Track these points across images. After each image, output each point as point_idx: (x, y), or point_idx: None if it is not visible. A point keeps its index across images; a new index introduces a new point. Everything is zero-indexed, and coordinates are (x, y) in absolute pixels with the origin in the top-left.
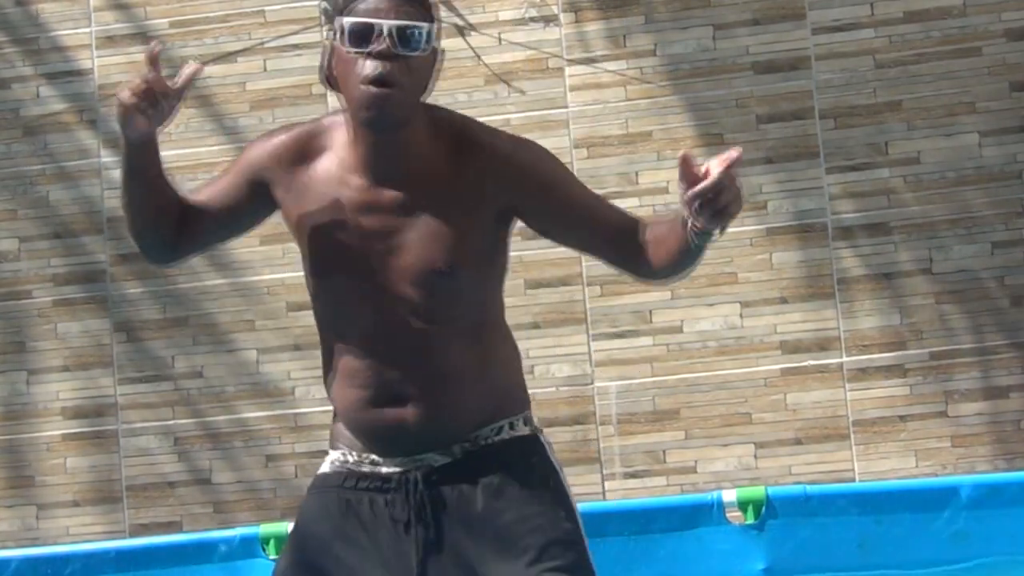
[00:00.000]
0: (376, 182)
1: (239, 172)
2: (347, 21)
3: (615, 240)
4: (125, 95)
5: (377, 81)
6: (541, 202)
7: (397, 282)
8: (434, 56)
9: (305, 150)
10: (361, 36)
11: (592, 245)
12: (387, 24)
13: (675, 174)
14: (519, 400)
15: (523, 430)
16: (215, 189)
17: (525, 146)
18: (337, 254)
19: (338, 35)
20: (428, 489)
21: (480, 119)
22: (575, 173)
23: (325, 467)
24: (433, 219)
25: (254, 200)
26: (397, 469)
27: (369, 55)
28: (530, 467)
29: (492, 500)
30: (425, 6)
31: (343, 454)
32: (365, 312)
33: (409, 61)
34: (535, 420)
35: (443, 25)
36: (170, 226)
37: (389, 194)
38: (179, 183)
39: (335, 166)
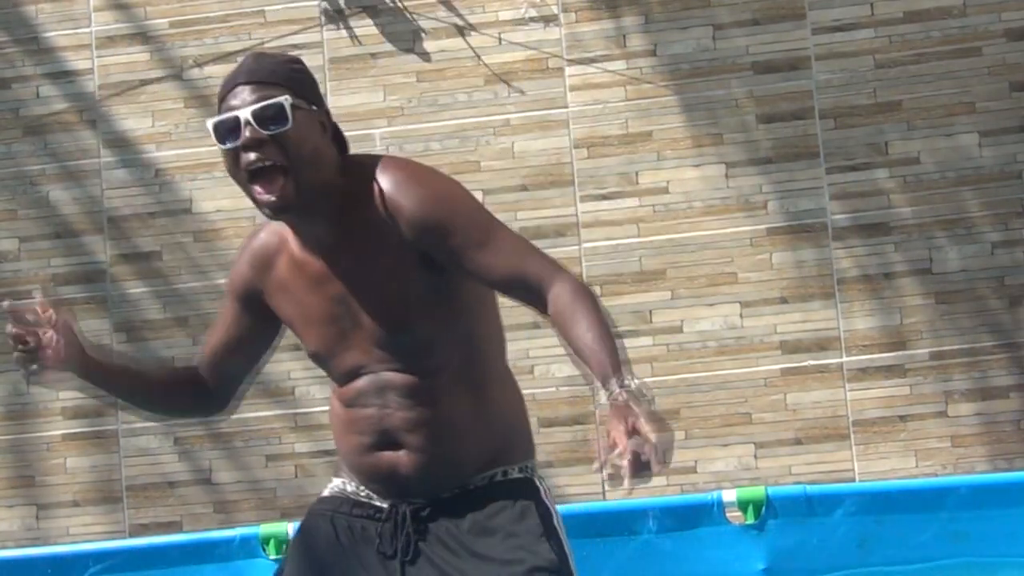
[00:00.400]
0: (320, 255)
1: (231, 300)
2: (210, 122)
3: (514, 290)
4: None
5: (257, 171)
6: (439, 250)
7: (368, 342)
8: (313, 117)
9: (269, 250)
10: (228, 131)
11: (497, 288)
12: (243, 113)
13: (675, 174)
14: (519, 450)
15: (516, 475)
16: (218, 331)
17: (421, 194)
18: (317, 329)
19: (213, 138)
20: (416, 523)
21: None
22: (575, 173)
23: (326, 491)
24: (373, 280)
25: (256, 317)
26: (388, 504)
27: (243, 148)
28: (517, 504)
29: (478, 533)
30: (282, 79)
31: (343, 482)
32: (353, 371)
33: (281, 138)
34: (534, 467)
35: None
36: (196, 392)
37: (333, 263)
38: (167, 364)
39: (292, 253)
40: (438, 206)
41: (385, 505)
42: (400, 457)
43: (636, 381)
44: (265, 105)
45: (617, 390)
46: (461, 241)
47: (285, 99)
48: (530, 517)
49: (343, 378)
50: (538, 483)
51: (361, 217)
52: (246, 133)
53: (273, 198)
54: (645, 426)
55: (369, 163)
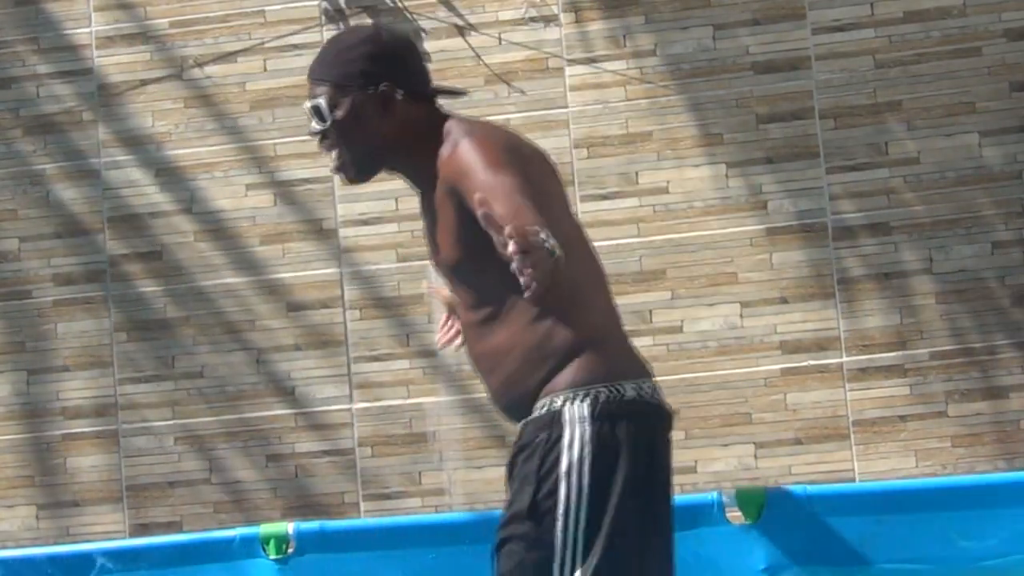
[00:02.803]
0: (417, 193)
1: None
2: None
3: None
4: None
5: (324, 151)
6: (459, 196)
7: (447, 277)
8: (360, 100)
9: None
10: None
11: None
12: (306, 106)
13: (675, 174)
14: (574, 376)
15: (556, 406)
16: None
17: (458, 144)
18: (431, 255)
19: None
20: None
21: (480, 119)
22: (575, 173)
23: None
24: (438, 220)
25: None
26: None
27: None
28: (535, 442)
29: (511, 471)
30: (329, 74)
31: None
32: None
33: (330, 130)
34: (586, 394)
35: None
36: None
37: (423, 203)
38: None
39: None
40: (467, 155)
41: None
42: (486, 387)
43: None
44: (311, 105)
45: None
46: (470, 188)
47: (322, 100)
48: (534, 459)
49: None
50: (568, 414)
51: (433, 169)
52: (310, 125)
53: (335, 172)
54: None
55: (451, 124)
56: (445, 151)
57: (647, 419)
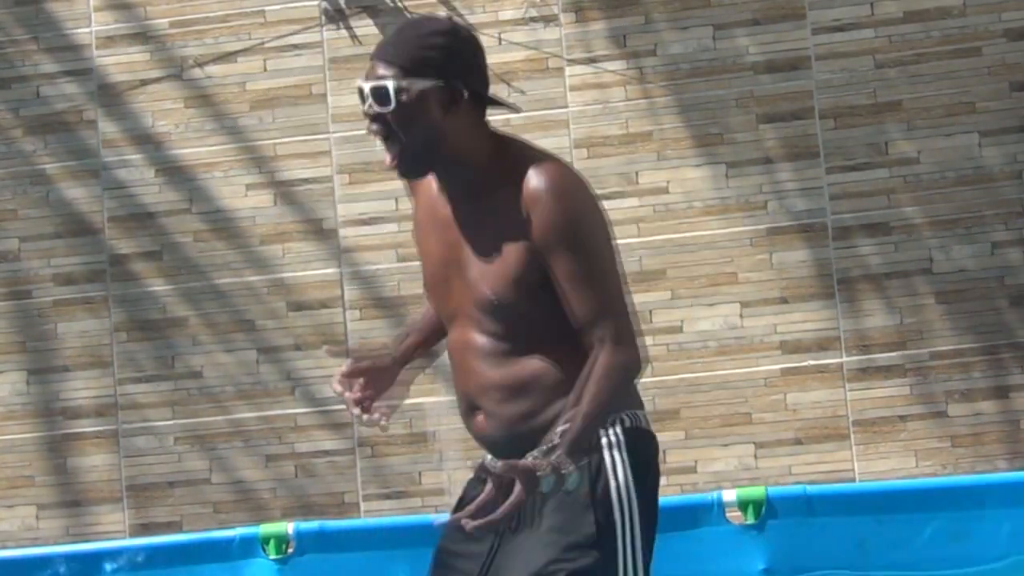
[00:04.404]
0: (451, 205)
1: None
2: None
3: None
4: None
5: (382, 138)
6: (544, 258)
7: (465, 296)
8: (430, 95)
9: (425, 179)
10: (360, 98)
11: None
12: (365, 87)
13: (675, 174)
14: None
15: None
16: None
17: (558, 208)
18: (430, 265)
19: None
20: None
21: (543, 151)
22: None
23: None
24: (488, 247)
25: None
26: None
27: (366, 116)
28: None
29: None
30: (402, 59)
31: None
32: (449, 316)
33: (390, 115)
34: (608, 422)
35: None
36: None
37: (460, 217)
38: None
39: (433, 189)
40: (563, 228)
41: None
42: (480, 420)
43: (565, 468)
44: (379, 86)
45: (538, 457)
46: (562, 267)
47: (391, 83)
48: (581, 484)
49: (444, 319)
50: (604, 439)
51: (500, 194)
52: (366, 104)
53: (389, 164)
54: (505, 506)
55: (528, 153)
56: (531, 183)
57: (655, 445)
